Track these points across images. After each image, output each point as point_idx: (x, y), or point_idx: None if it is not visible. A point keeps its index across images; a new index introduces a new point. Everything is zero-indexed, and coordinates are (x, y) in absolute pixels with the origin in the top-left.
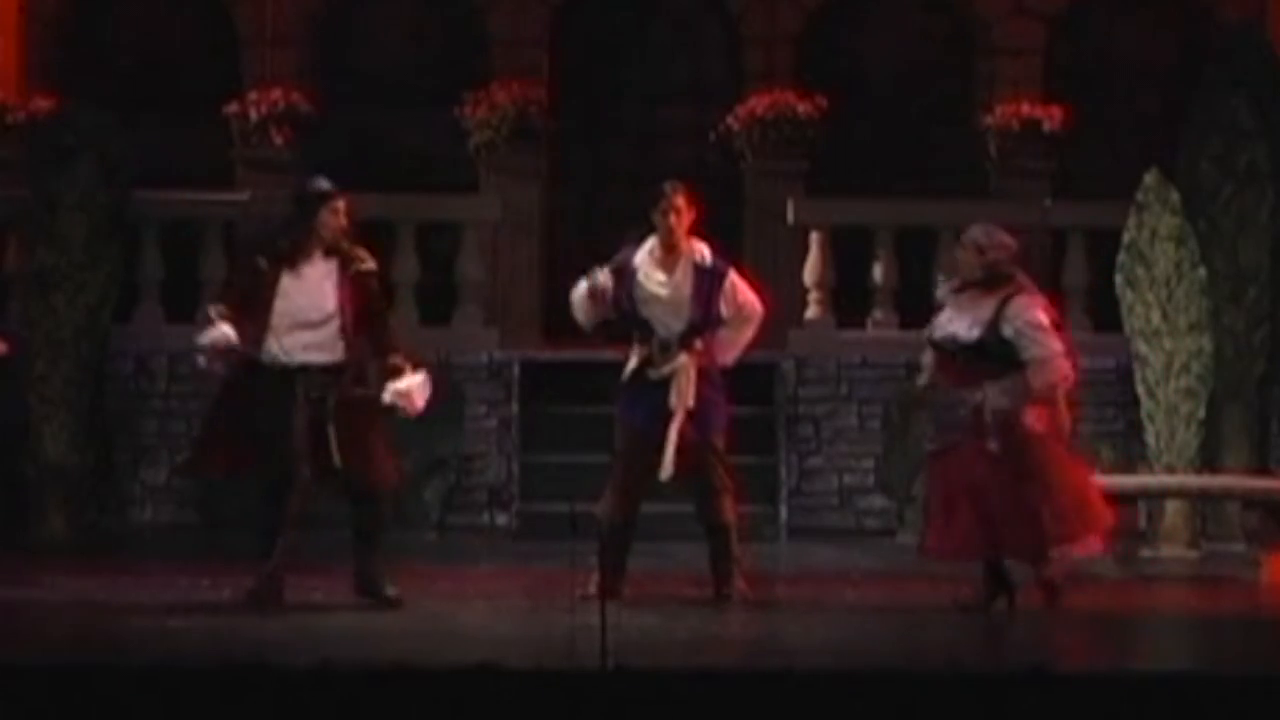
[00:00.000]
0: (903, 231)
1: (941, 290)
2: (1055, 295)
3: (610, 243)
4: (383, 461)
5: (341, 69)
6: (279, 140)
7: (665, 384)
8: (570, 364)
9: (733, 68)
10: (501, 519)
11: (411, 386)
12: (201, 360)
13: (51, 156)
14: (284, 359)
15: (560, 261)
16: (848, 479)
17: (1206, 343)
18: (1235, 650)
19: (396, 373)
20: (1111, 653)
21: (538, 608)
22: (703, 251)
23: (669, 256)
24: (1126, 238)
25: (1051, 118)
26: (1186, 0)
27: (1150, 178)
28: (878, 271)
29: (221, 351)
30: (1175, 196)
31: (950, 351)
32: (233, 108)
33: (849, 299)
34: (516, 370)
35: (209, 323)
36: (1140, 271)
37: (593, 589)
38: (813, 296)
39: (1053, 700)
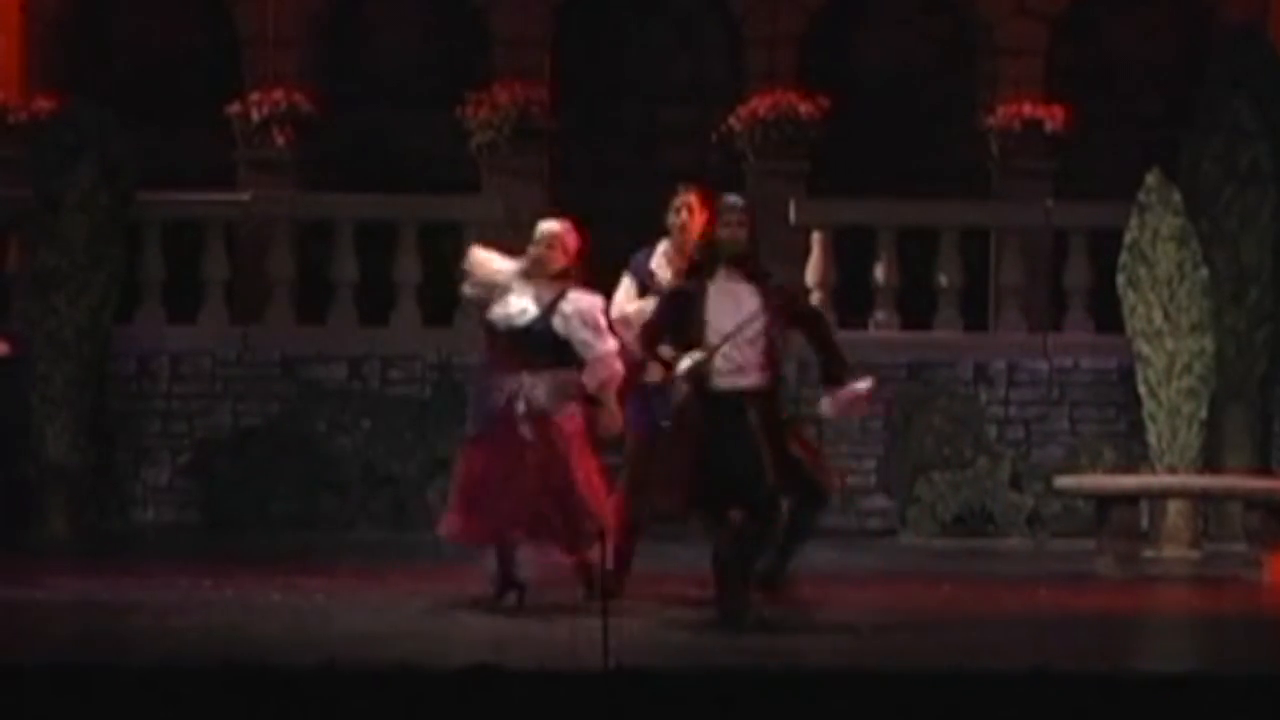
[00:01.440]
0: (905, 232)
1: (504, 277)
2: (1057, 295)
3: (610, 243)
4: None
5: (343, 69)
6: (281, 141)
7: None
8: None
9: (734, 68)
10: None
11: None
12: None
13: (53, 157)
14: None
15: None
16: (850, 479)
17: (1208, 343)
18: (1236, 650)
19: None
20: (1111, 653)
21: (539, 608)
22: None
23: (680, 257)
24: (1128, 238)
25: (1053, 118)
26: (1187, 0)
27: (1152, 178)
28: (879, 272)
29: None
30: (1177, 197)
31: (499, 333)
32: (234, 108)
33: (851, 299)
34: None
35: (657, 358)
36: (1142, 272)
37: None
38: (815, 296)
39: (1053, 700)
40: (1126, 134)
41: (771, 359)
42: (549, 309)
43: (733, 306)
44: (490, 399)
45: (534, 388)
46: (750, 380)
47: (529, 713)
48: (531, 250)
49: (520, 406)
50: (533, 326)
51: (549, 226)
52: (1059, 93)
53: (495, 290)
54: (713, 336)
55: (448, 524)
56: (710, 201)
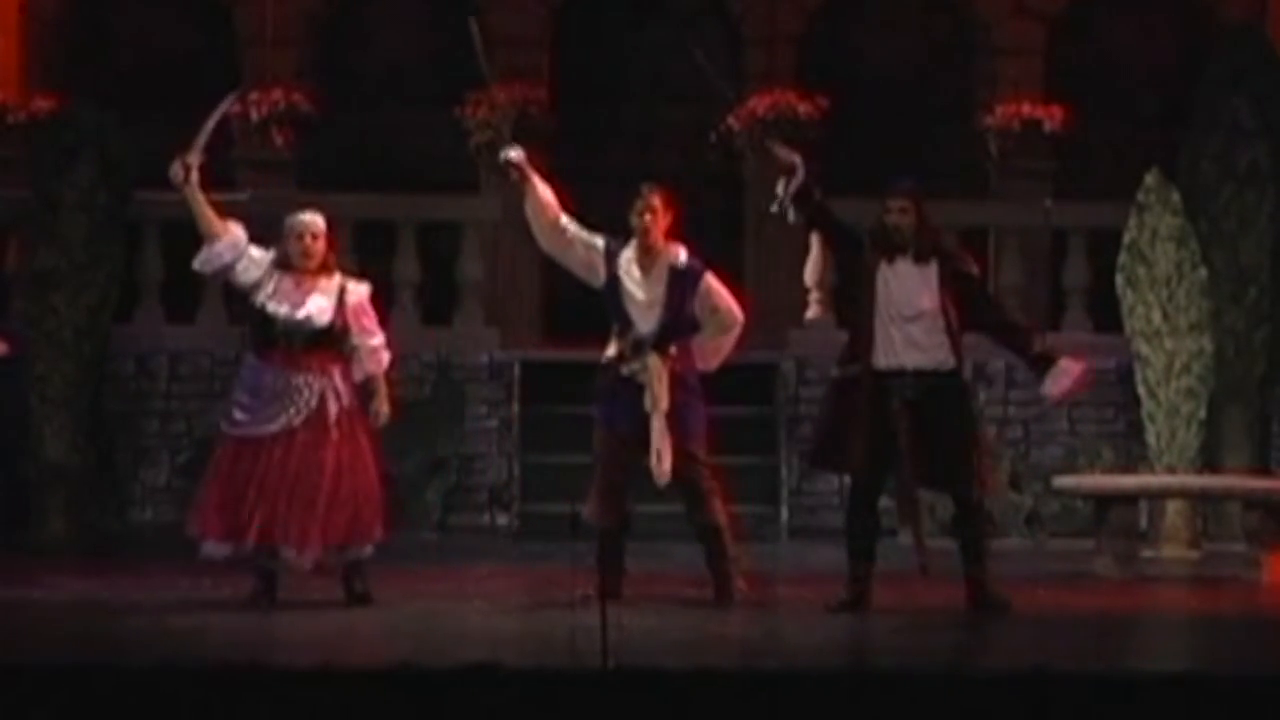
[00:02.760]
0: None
1: (268, 274)
2: (1056, 295)
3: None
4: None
5: (342, 69)
6: (279, 140)
7: (640, 386)
8: (570, 364)
9: (733, 68)
10: (502, 519)
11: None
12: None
13: (52, 156)
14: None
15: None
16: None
17: (1207, 343)
18: (1235, 650)
19: None
20: (1111, 653)
21: (538, 608)
22: (679, 254)
23: (646, 258)
24: (1127, 238)
25: (1052, 118)
26: (1186, 0)
27: (1151, 178)
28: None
29: None
30: (1176, 197)
31: (289, 331)
32: (233, 108)
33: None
34: (517, 370)
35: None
36: (1141, 272)
37: (593, 590)
38: (813, 296)
39: (1053, 700)
40: (1126, 134)
41: (955, 342)
42: (340, 304)
43: (909, 291)
44: (292, 397)
45: (342, 384)
46: (919, 362)
47: (528, 712)
48: (295, 242)
49: (333, 406)
50: (333, 324)
51: (311, 217)
52: (1058, 93)
53: (241, 266)
54: (884, 318)
55: (205, 524)
56: (673, 202)
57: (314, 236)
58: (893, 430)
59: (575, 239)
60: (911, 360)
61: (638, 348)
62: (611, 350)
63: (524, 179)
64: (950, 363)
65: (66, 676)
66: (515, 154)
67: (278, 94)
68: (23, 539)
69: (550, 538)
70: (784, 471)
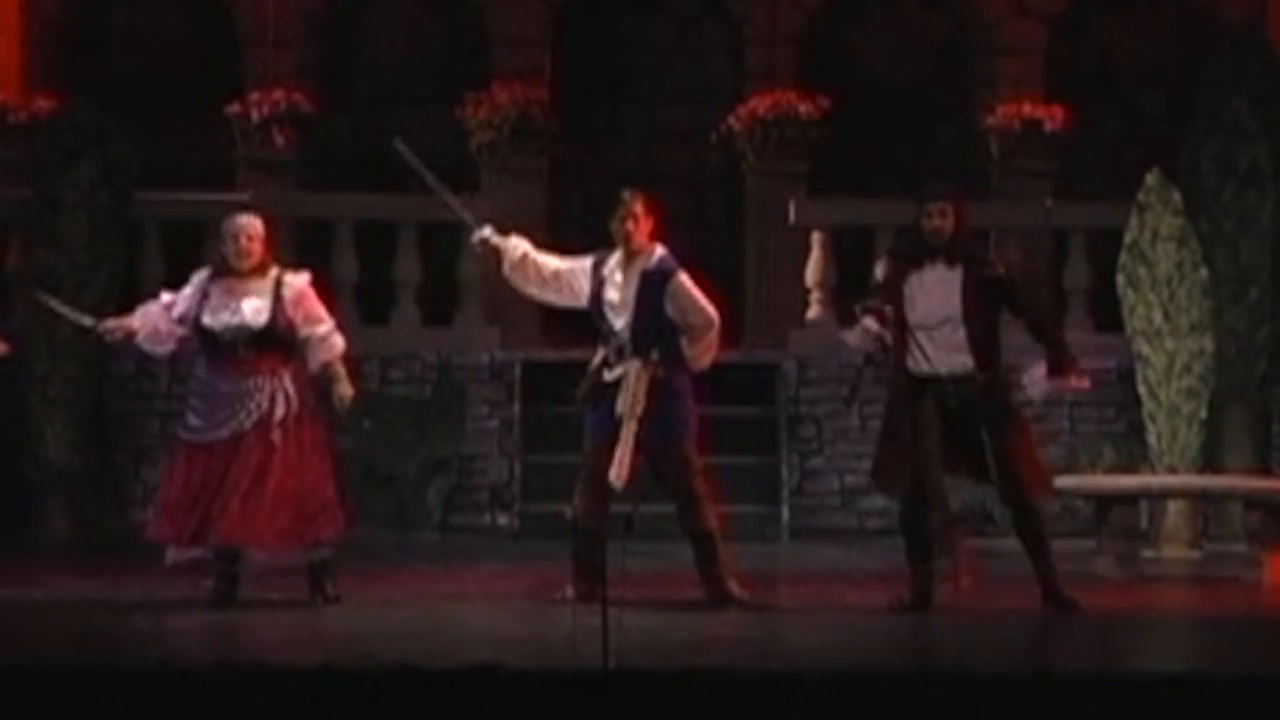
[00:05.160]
0: (904, 231)
1: (204, 289)
2: (1056, 295)
3: (609, 243)
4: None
5: (343, 69)
6: (280, 141)
7: (619, 389)
8: (571, 364)
9: (734, 68)
10: (503, 519)
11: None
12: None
13: (53, 157)
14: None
15: None
16: (849, 479)
17: (1208, 343)
18: (1236, 650)
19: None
20: (1111, 653)
21: (539, 608)
22: (653, 255)
23: (629, 263)
24: (1128, 238)
25: (1053, 118)
26: (1187, 0)
27: (1151, 178)
28: (879, 272)
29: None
30: (1177, 197)
31: (228, 338)
32: (234, 108)
33: (850, 299)
34: (518, 370)
35: (851, 320)
36: (1142, 272)
37: (569, 593)
38: (814, 297)
39: (1053, 700)
40: (1126, 134)
41: (978, 347)
42: (276, 301)
43: (941, 296)
44: (243, 402)
45: (292, 385)
46: (949, 367)
47: (529, 713)
48: (231, 243)
49: (280, 409)
50: (273, 323)
51: (249, 219)
52: (1058, 92)
53: (177, 317)
54: (915, 325)
55: (169, 529)
56: (654, 207)
57: (249, 238)
58: (929, 439)
59: (561, 273)
60: (943, 366)
61: (619, 353)
62: (597, 358)
63: (496, 252)
64: (971, 366)
65: (66, 676)
66: (483, 237)
67: (278, 94)
68: (23, 539)
69: (551, 538)
70: (784, 471)
